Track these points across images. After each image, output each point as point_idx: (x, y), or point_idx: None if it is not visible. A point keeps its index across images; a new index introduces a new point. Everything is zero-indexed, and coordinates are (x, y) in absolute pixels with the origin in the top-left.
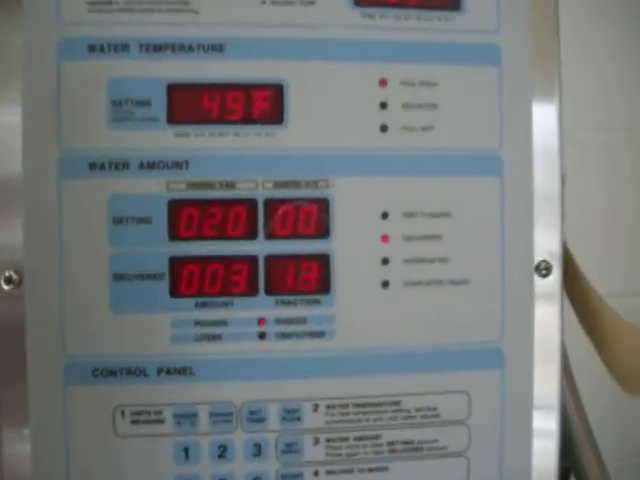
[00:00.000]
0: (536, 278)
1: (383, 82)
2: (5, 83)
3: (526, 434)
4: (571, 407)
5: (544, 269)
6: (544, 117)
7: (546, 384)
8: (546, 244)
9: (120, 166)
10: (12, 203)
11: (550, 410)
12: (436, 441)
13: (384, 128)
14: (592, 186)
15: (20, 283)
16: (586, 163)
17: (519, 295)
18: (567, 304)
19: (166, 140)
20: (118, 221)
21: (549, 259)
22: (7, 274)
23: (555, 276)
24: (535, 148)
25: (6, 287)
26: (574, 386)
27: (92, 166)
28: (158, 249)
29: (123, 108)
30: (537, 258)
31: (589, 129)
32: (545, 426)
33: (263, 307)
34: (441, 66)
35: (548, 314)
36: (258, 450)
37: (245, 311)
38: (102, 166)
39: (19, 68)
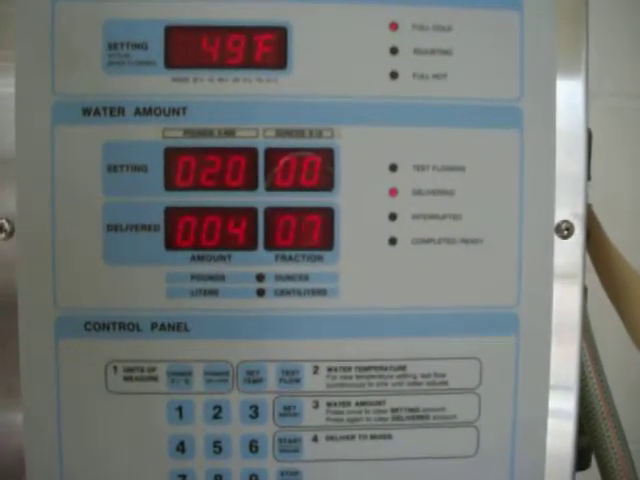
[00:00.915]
0: (556, 239)
1: (394, 26)
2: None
3: (542, 406)
4: (593, 379)
5: (565, 229)
6: (568, 67)
7: (564, 355)
8: (568, 204)
9: (115, 111)
10: (6, 172)
11: (569, 374)
12: (443, 409)
13: (394, 75)
14: (622, 155)
15: (12, 232)
16: (617, 129)
17: (537, 257)
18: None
19: (163, 85)
20: (112, 169)
21: (571, 219)
22: None
23: (577, 237)
24: (559, 100)
25: None
26: (596, 357)
27: (86, 111)
28: (153, 199)
29: (119, 51)
30: (558, 218)
31: (620, 94)
32: (563, 399)
33: (262, 262)
34: (456, 9)
35: (568, 278)
36: (255, 412)
37: (243, 266)
38: (96, 111)
39: (14, 36)
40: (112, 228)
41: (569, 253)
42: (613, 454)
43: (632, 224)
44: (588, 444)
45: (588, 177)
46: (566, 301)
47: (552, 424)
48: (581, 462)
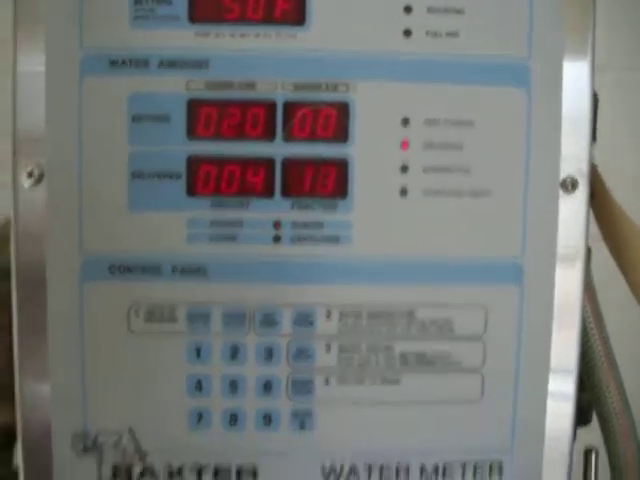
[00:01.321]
0: (561, 194)
1: None
2: (31, 28)
3: (544, 356)
4: (595, 335)
5: (570, 184)
6: (576, 30)
7: (567, 299)
8: (573, 160)
9: (140, 64)
10: (35, 121)
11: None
12: (450, 355)
13: (408, 32)
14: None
15: (40, 179)
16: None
17: (543, 210)
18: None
19: (187, 39)
20: (137, 119)
21: (576, 175)
22: (29, 169)
23: (581, 192)
24: (566, 60)
25: (27, 183)
26: (598, 312)
27: (113, 63)
28: (176, 148)
29: (144, 6)
30: (563, 174)
31: (622, 68)
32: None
33: (279, 209)
34: None
35: (572, 231)
36: (269, 354)
37: (261, 213)
38: (123, 63)
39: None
40: (137, 175)
41: (574, 209)
42: (612, 408)
43: (635, 195)
44: (589, 402)
45: (594, 138)
46: (569, 253)
47: (551, 406)
48: (582, 419)
